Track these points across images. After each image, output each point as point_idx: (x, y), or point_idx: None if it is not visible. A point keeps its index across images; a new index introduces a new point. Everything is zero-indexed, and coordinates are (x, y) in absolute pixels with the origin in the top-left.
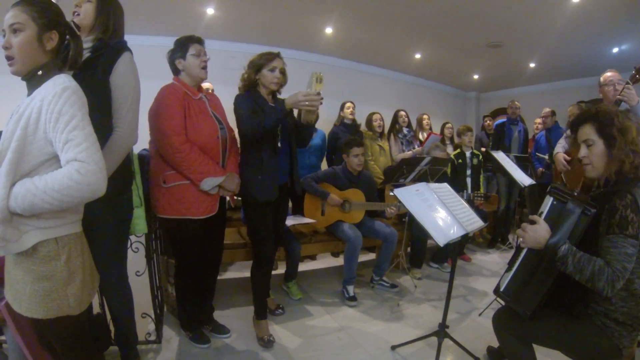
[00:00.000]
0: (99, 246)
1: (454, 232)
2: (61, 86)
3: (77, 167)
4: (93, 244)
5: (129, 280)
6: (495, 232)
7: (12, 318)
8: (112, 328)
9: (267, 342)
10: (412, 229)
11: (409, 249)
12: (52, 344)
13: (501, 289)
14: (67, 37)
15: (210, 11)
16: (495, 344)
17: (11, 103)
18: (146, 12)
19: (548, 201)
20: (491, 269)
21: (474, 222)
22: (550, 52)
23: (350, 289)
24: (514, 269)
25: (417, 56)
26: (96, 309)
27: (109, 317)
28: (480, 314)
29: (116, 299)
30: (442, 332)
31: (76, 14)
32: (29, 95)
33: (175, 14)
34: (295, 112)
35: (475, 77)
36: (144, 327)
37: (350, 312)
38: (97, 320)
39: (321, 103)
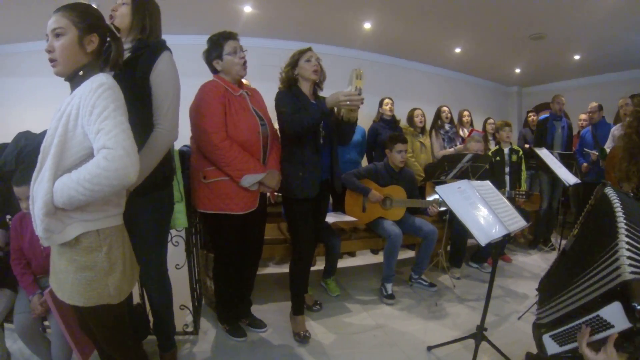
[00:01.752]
0: (141, 239)
1: (496, 232)
2: (97, 82)
3: (104, 154)
4: (135, 237)
5: (169, 273)
6: (537, 233)
7: (56, 305)
8: (151, 318)
9: (302, 338)
10: (452, 227)
11: (448, 248)
12: (93, 331)
13: (547, 353)
14: (108, 39)
15: (247, 9)
16: (535, 349)
17: (55, 102)
18: (184, 12)
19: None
20: (532, 270)
21: (516, 222)
22: (595, 43)
23: (389, 286)
24: (564, 347)
25: (457, 50)
26: (136, 300)
27: (148, 307)
28: (519, 318)
29: (156, 290)
30: (479, 334)
31: (112, 17)
32: (70, 94)
33: (213, 13)
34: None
35: (517, 70)
36: (182, 318)
37: (387, 310)
38: (137, 310)
39: (362, 102)
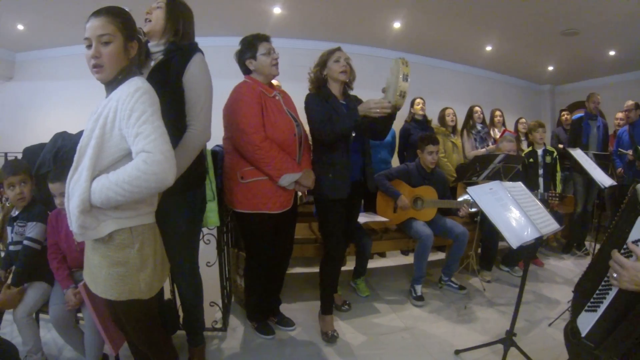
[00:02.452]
0: (173, 237)
1: (528, 234)
2: (134, 87)
3: (144, 157)
4: (167, 234)
5: (200, 270)
6: (570, 237)
7: (89, 298)
8: (181, 314)
9: (330, 337)
10: (483, 229)
11: (479, 250)
12: (123, 323)
13: (582, 334)
14: None
15: (276, 10)
16: (565, 357)
17: (90, 103)
18: (215, 14)
19: None
20: (564, 276)
21: (549, 225)
22: (631, 37)
23: (418, 288)
24: (599, 311)
25: (488, 48)
26: (167, 295)
27: (178, 303)
28: (550, 324)
29: (186, 287)
30: (509, 339)
31: (147, 20)
32: (107, 97)
33: (243, 15)
34: None
35: (550, 68)
36: (212, 315)
37: (416, 312)
38: (167, 305)
39: (398, 109)
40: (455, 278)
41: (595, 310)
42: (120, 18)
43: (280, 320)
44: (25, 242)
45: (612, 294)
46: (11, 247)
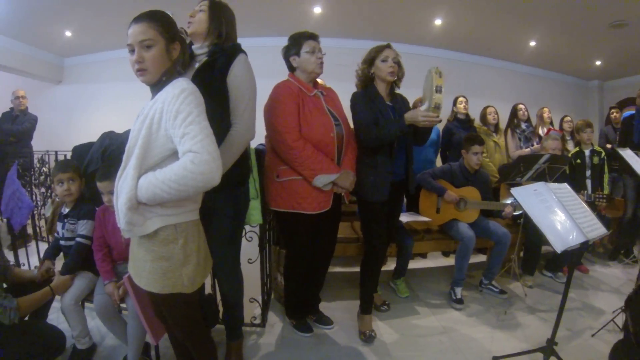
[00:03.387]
0: (217, 233)
1: (573, 239)
2: (179, 88)
3: (191, 157)
4: (211, 231)
5: (241, 266)
6: (618, 242)
7: (133, 289)
8: (221, 308)
9: (368, 337)
10: (527, 232)
11: (522, 254)
12: (165, 316)
13: None
14: None
15: (317, 10)
16: None
17: (135, 104)
18: (257, 16)
19: None
20: (611, 284)
21: (596, 229)
22: None
23: (458, 291)
24: None
25: (532, 44)
26: (208, 290)
27: (219, 298)
28: (593, 335)
29: (228, 283)
30: (549, 348)
31: (190, 23)
32: (152, 98)
33: (285, 15)
34: None
35: (597, 63)
36: (251, 310)
37: (455, 315)
38: (208, 300)
39: (440, 120)
40: (496, 282)
41: None
42: (160, 22)
43: (318, 318)
44: (78, 239)
45: None
46: (62, 242)
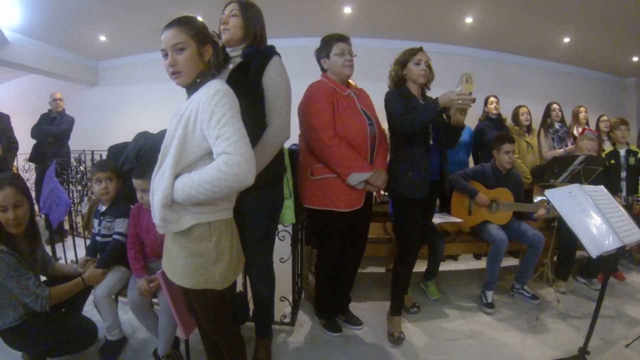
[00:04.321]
0: (250, 232)
1: (609, 243)
2: (214, 89)
3: (225, 159)
4: (245, 230)
5: (273, 265)
6: None
7: (166, 284)
8: (251, 306)
9: (396, 339)
10: (561, 235)
11: (555, 258)
12: (196, 311)
13: None
14: None
15: (347, 10)
16: None
17: (167, 104)
18: (287, 16)
19: None
20: None
21: (633, 234)
22: None
23: (489, 294)
24: None
25: (566, 40)
26: (239, 288)
27: (249, 295)
28: (627, 345)
29: (259, 281)
30: (581, 357)
31: (225, 30)
32: (188, 99)
33: (315, 16)
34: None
35: (635, 59)
36: (281, 309)
37: (485, 319)
38: (239, 297)
39: (474, 102)
40: (528, 286)
41: None
42: (191, 25)
43: (348, 318)
44: (115, 236)
45: None
46: (98, 238)
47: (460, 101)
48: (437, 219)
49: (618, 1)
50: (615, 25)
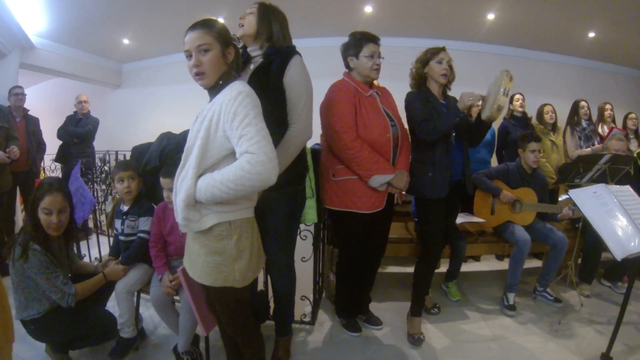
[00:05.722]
0: (273, 231)
1: (635, 246)
2: (236, 91)
3: (248, 158)
4: (267, 228)
5: (295, 264)
6: None
7: (187, 282)
8: (272, 305)
9: (416, 340)
10: (585, 237)
11: (579, 261)
12: (217, 308)
13: None
14: None
15: (368, 9)
16: None
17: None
18: (308, 16)
19: None
20: None
21: None
22: None
23: (511, 296)
24: None
25: (591, 35)
26: (260, 287)
27: (270, 294)
28: None
29: (280, 280)
30: None
31: (241, 25)
32: (210, 101)
33: (337, 15)
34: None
35: None
36: (301, 308)
37: (507, 321)
38: (260, 296)
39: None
40: (551, 289)
41: None
42: (215, 27)
43: (368, 318)
44: (140, 234)
45: None
46: (121, 238)
47: (471, 99)
48: (459, 219)
49: None
50: None
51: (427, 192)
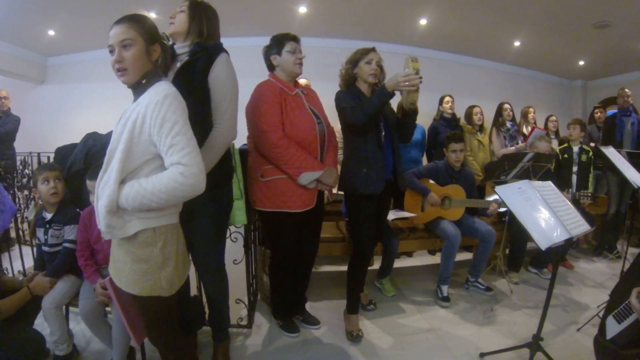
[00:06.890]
0: (200, 235)
1: (557, 236)
2: (163, 94)
3: (181, 170)
4: (195, 232)
5: (227, 267)
6: (602, 239)
7: (115, 291)
8: (207, 310)
9: (355, 337)
10: (512, 229)
11: (507, 251)
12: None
13: (607, 337)
14: None
15: (302, 9)
16: None
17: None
18: (241, 15)
19: None
20: (595, 279)
21: (579, 226)
22: None
23: (445, 288)
24: (623, 324)
25: (517, 44)
26: (193, 292)
27: (205, 299)
28: (578, 329)
29: (213, 284)
30: (535, 344)
31: (171, 24)
32: (134, 101)
33: (269, 15)
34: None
35: (581, 63)
36: (237, 312)
37: (442, 312)
38: (194, 302)
39: (421, 81)
40: (482, 279)
41: (620, 323)
42: (140, 23)
43: (305, 318)
44: (65, 244)
45: (633, 317)
46: (45, 249)
47: (407, 82)
48: (390, 215)
49: (566, 9)
50: (563, 31)
51: (361, 188)
